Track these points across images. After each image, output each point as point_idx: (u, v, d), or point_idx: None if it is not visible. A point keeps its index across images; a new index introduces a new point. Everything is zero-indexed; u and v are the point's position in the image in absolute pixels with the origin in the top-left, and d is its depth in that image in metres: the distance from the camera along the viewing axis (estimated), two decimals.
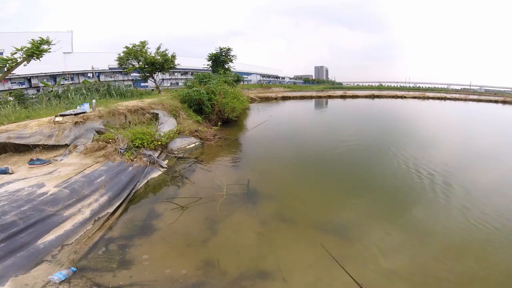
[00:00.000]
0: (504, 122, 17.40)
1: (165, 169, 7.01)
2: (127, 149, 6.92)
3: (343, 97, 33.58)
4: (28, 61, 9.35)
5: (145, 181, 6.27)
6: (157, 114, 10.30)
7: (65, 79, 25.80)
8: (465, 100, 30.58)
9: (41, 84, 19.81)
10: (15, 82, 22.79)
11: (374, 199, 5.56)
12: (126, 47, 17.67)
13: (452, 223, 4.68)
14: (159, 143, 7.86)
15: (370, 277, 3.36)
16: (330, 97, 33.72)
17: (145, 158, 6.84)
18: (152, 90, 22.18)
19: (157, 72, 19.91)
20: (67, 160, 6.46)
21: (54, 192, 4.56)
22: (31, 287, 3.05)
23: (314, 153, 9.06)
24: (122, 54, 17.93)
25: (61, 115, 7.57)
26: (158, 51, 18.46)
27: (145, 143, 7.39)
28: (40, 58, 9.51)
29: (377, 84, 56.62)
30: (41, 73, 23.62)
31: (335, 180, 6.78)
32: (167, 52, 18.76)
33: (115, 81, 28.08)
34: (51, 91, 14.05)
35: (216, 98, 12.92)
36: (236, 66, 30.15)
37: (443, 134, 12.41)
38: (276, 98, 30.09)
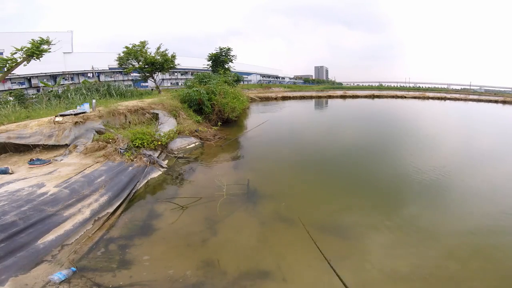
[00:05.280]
0: (504, 122, 17.39)
1: (165, 169, 7.01)
2: (127, 149, 6.92)
3: (343, 97, 33.56)
4: (28, 61, 9.34)
5: (145, 181, 6.27)
6: (157, 114, 10.30)
7: (65, 79, 25.81)
8: (465, 100, 30.54)
9: (41, 84, 19.82)
10: (15, 82, 22.81)
11: (374, 199, 5.55)
12: (126, 47, 17.68)
13: (455, 223, 4.68)
14: (159, 143, 7.86)
15: (370, 277, 3.36)
16: (330, 97, 33.71)
17: (145, 158, 6.84)
18: (152, 90, 22.18)
19: (157, 72, 19.91)
20: (67, 160, 6.46)
21: (54, 192, 4.56)
22: (31, 287, 3.05)
23: (314, 153, 9.06)
24: (122, 54, 17.94)
25: (61, 115, 7.57)
26: (158, 51, 18.47)
27: (145, 143, 7.39)
28: (40, 58, 9.51)
29: (377, 84, 56.55)
30: (41, 73, 23.63)
31: (336, 180, 6.78)
32: (167, 52, 18.78)
33: (115, 81, 28.09)
34: (51, 91, 14.07)
35: (216, 98, 12.92)
36: (236, 66, 30.16)
37: (444, 134, 12.40)
38: (276, 98, 30.08)
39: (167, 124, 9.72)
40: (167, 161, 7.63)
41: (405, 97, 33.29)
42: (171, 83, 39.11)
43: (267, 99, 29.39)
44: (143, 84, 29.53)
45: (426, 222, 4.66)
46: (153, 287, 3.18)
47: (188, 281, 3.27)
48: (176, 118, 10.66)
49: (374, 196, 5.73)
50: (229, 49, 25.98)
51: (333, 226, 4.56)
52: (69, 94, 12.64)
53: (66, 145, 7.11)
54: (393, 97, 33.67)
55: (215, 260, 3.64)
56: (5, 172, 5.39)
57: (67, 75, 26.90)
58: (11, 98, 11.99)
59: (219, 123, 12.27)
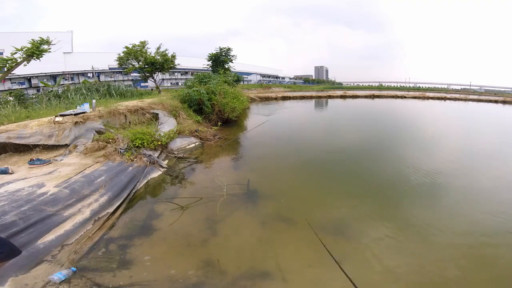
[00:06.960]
0: (504, 121, 17.39)
1: (165, 169, 7.01)
2: (127, 149, 6.91)
3: (343, 97, 33.57)
4: (28, 61, 9.33)
5: (145, 181, 6.27)
6: (157, 114, 10.29)
7: (65, 79, 25.80)
8: (465, 100, 30.58)
9: (41, 84, 19.78)
10: (15, 82, 22.82)
11: (375, 200, 5.54)
12: (126, 47, 17.68)
13: (456, 224, 4.67)
14: (159, 143, 7.86)
15: (370, 277, 3.36)
16: (330, 97, 33.71)
17: (145, 158, 6.83)
18: (152, 90, 22.17)
19: (157, 72, 19.91)
20: (67, 160, 6.45)
21: (54, 192, 4.56)
22: (31, 287, 3.05)
23: (315, 153, 9.05)
24: (122, 54, 17.94)
25: (61, 115, 7.56)
26: (158, 51, 18.47)
27: (145, 143, 7.38)
28: (40, 58, 9.50)
29: (377, 84, 56.62)
30: (41, 73, 23.64)
31: (336, 180, 6.77)
32: (167, 52, 18.78)
33: (115, 81, 28.10)
34: (51, 91, 14.03)
35: (216, 98, 12.91)
36: (236, 66, 30.14)
37: (444, 135, 12.40)
38: (276, 98, 30.08)
39: (167, 124, 9.72)
40: (167, 161, 7.63)
41: (405, 97, 33.31)
42: (171, 83, 39.12)
43: (267, 99, 29.38)
44: (143, 84, 29.51)
45: (428, 222, 4.65)
46: (153, 287, 3.18)
47: (188, 281, 3.27)
48: (176, 118, 10.66)
49: (375, 196, 5.72)
50: (229, 49, 25.97)
51: (333, 226, 4.55)
52: (69, 94, 12.62)
53: (66, 145, 7.11)
54: (393, 97, 33.68)
55: (215, 260, 3.64)
56: (5, 172, 5.39)
57: (67, 75, 26.90)
58: (11, 98, 11.96)
59: (219, 123, 12.25)
